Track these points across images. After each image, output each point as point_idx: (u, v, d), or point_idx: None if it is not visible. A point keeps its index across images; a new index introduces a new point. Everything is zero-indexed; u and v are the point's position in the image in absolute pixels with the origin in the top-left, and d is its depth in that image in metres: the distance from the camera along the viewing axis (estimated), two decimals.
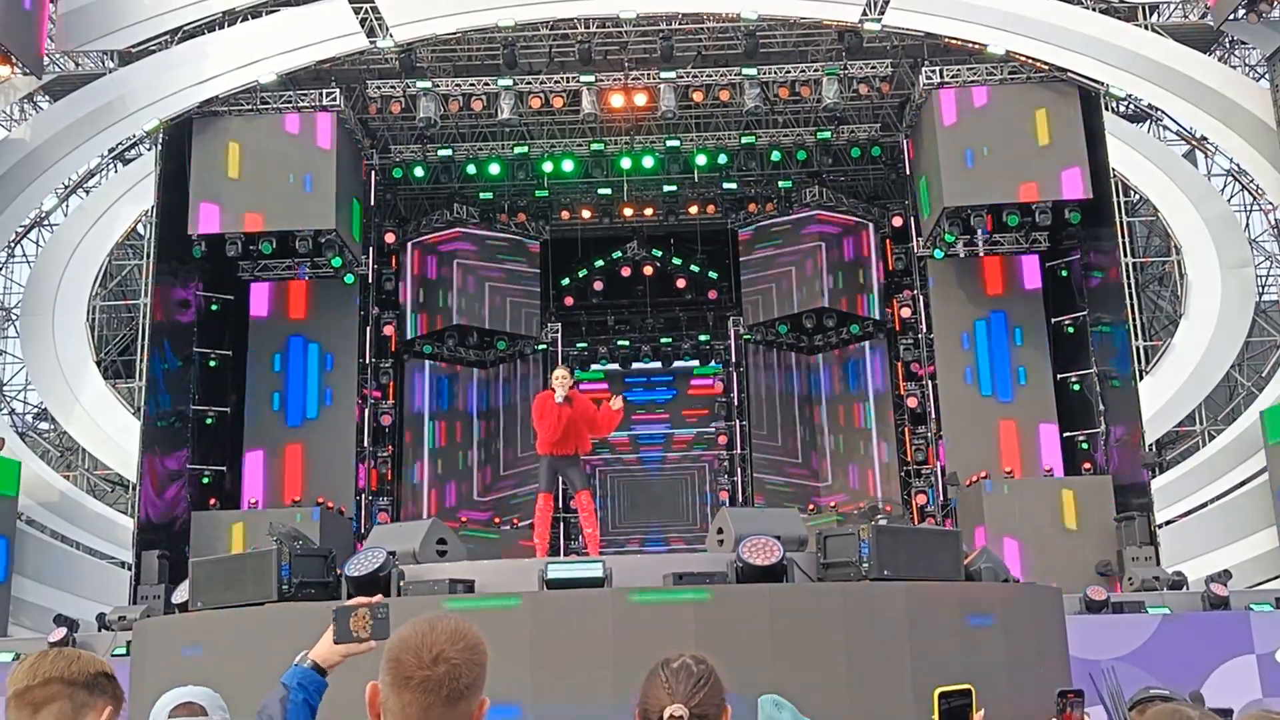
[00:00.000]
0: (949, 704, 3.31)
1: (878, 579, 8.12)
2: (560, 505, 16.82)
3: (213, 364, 20.81)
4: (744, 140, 22.41)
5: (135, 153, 21.06)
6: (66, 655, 2.58)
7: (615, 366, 25.79)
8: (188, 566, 9.65)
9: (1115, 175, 19.35)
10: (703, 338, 25.77)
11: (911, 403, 22.32)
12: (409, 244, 23.88)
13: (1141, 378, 18.74)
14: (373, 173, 22.89)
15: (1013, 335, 21.27)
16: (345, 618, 2.87)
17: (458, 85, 20.74)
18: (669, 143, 22.49)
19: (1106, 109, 19.60)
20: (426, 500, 23.05)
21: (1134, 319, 19.01)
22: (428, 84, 20.53)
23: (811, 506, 22.82)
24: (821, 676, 7.73)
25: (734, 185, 24.21)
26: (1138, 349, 18.84)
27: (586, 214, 25.04)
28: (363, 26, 19.57)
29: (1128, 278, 19.10)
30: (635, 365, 25.77)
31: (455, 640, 2.21)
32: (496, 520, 23.60)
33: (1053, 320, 21.24)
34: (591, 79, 20.46)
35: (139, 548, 18.00)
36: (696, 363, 25.85)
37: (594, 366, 25.69)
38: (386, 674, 2.20)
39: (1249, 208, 21.82)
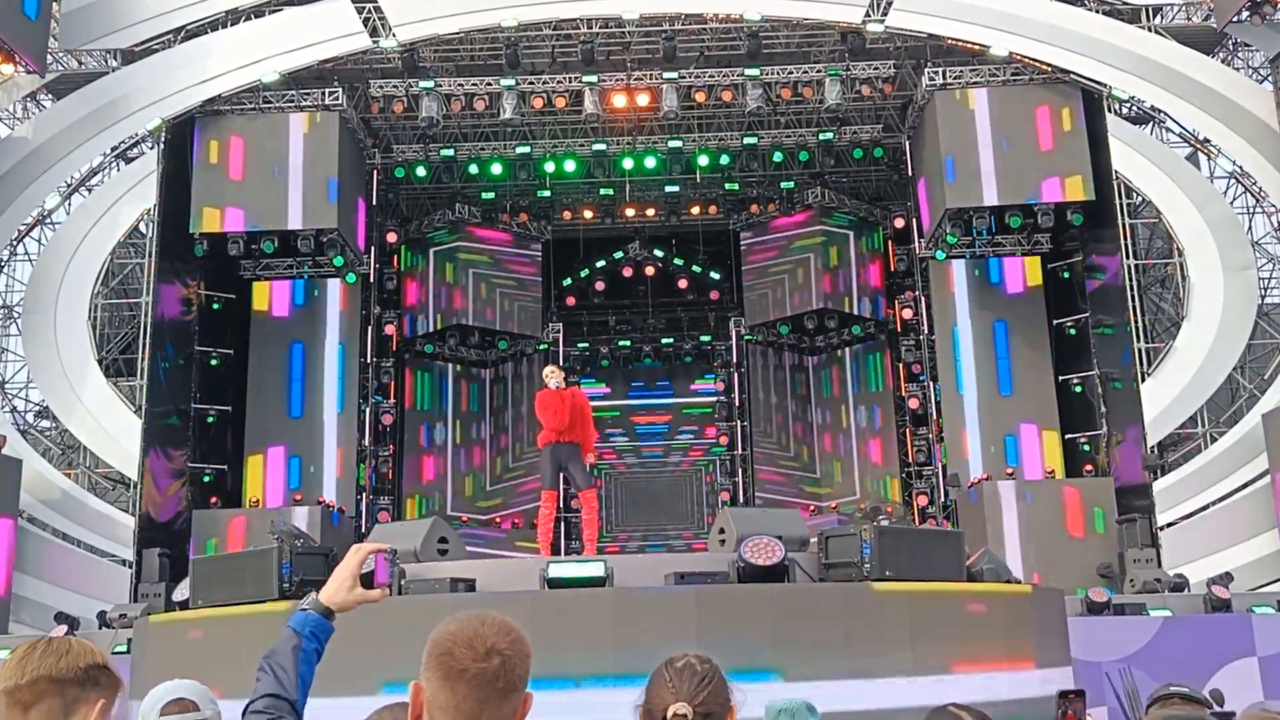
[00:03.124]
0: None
1: (879, 579, 8.11)
2: (561, 504, 16.76)
3: (214, 363, 20.80)
4: (746, 141, 22.39)
5: (137, 151, 21.10)
6: (56, 649, 2.46)
7: (616, 367, 25.80)
8: (188, 564, 9.66)
9: (1118, 177, 19.33)
10: (704, 338, 25.74)
11: (913, 404, 22.32)
12: (411, 243, 23.90)
13: (1143, 380, 18.72)
14: (375, 172, 22.90)
15: (1014, 337, 21.25)
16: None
17: (460, 85, 20.75)
18: (671, 143, 22.46)
19: (1109, 111, 19.59)
20: (427, 499, 23.04)
21: (1136, 321, 19.00)
22: (430, 84, 20.52)
23: (813, 507, 22.80)
24: (823, 676, 7.72)
25: (736, 186, 24.19)
26: (1139, 351, 18.82)
27: (588, 214, 25.03)
28: (365, 26, 19.59)
29: (1130, 280, 19.09)
30: (636, 366, 25.78)
31: (505, 633, 2.19)
32: (497, 520, 23.60)
33: (1054, 322, 21.21)
34: (594, 79, 20.45)
35: (140, 546, 18.03)
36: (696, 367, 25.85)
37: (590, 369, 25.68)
38: (436, 669, 2.16)
39: (1251, 210, 21.80)
